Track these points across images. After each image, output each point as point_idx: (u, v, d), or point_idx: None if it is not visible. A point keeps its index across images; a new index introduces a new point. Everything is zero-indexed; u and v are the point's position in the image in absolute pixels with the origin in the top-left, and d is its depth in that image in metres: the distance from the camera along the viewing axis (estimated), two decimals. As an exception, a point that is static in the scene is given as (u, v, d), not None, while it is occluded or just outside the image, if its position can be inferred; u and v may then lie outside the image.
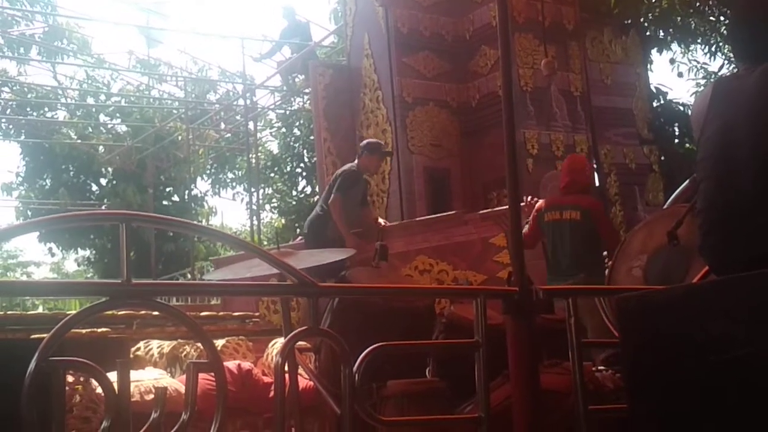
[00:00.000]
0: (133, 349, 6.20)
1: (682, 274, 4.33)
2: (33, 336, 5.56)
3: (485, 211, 8.08)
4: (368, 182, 9.27)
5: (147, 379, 5.25)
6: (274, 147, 20.08)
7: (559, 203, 6.71)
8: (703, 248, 2.92)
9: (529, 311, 2.79)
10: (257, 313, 8.50)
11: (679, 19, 12.00)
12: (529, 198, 6.86)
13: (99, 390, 4.40)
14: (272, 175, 18.96)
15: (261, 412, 5.63)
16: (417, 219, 8.86)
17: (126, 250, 2.40)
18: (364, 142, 8.68)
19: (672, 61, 13.74)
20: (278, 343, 5.91)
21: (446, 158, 9.96)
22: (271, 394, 5.30)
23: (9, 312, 10.59)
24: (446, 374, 3.94)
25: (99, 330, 6.37)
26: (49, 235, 21.11)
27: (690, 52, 13.85)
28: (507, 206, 3.14)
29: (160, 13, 21.35)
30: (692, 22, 12.47)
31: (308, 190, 18.58)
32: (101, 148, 21.24)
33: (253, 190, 15.86)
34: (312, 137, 14.05)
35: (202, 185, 22.93)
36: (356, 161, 8.32)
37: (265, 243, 17.03)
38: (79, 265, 25.79)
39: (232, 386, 5.39)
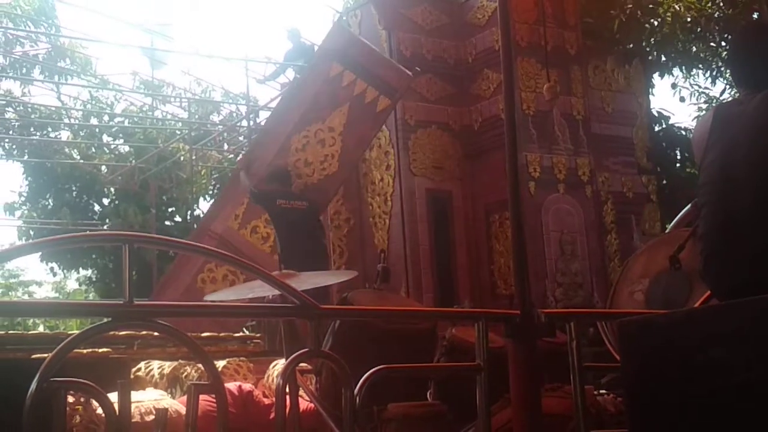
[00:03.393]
0: (133, 369, 6.18)
1: (683, 299, 4.32)
2: (34, 356, 5.55)
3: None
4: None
5: (147, 400, 5.23)
6: (277, 168, 20.08)
7: None
8: (705, 273, 2.92)
9: (530, 334, 2.79)
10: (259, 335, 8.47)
11: (680, 44, 12.05)
12: None
13: (99, 410, 4.39)
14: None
15: (261, 434, 5.60)
16: None
17: (128, 271, 2.40)
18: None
19: (674, 85, 13.78)
20: (279, 364, 5.90)
21: (448, 180, 9.98)
22: (272, 416, 5.28)
23: (10, 331, 10.57)
24: (447, 397, 3.93)
25: (100, 350, 6.35)
26: (51, 254, 21.06)
27: (691, 77, 13.89)
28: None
29: (165, 34, 21.44)
30: (693, 47, 12.52)
31: (310, 211, 18.55)
32: (104, 169, 21.26)
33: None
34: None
35: (204, 206, 22.93)
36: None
37: (267, 264, 17.00)
38: (80, 285, 25.74)
39: (233, 408, 5.37)
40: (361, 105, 8.80)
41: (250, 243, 8.99)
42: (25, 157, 21.36)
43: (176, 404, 5.34)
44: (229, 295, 4.22)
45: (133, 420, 2.47)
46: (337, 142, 8.95)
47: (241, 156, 9.18)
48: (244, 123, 16.72)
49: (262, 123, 16.73)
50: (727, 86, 13.20)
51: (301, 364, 3.55)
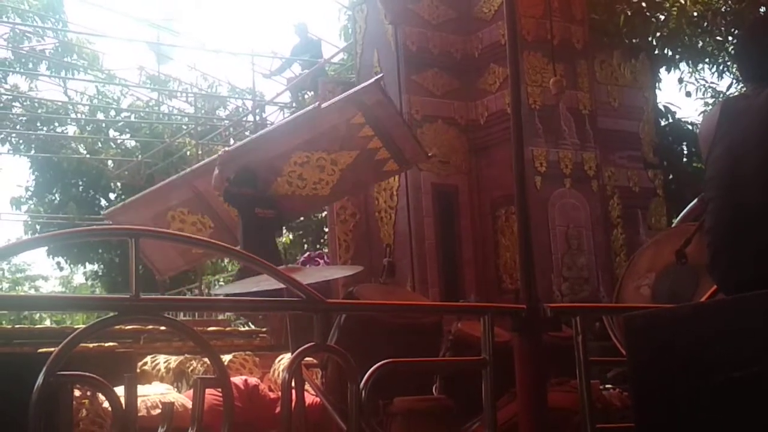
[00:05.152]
0: (140, 363, 6.20)
1: (690, 293, 4.32)
2: (41, 350, 5.57)
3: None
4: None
5: (154, 394, 5.25)
6: (282, 162, 20.11)
7: None
8: (712, 267, 2.92)
9: (536, 329, 2.79)
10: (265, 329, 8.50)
11: (686, 38, 12.02)
12: None
13: (105, 404, 4.40)
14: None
15: (267, 428, 5.61)
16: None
17: (135, 265, 2.40)
18: None
19: (680, 80, 13.75)
20: (285, 358, 5.91)
21: (454, 175, 9.96)
22: (278, 410, 5.29)
23: (17, 326, 10.60)
24: (453, 391, 3.93)
25: (106, 344, 6.37)
26: (58, 249, 21.12)
27: (698, 72, 13.87)
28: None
29: (171, 29, 21.44)
30: (700, 41, 12.49)
31: (317, 206, 18.59)
32: (110, 163, 21.30)
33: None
34: (321, 154, 14.06)
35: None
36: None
37: (273, 259, 17.02)
38: (87, 280, 25.81)
39: (239, 402, 5.37)
40: (371, 158, 8.96)
41: (226, 209, 9.28)
42: (32, 152, 21.42)
43: (182, 398, 5.35)
44: (235, 289, 4.22)
45: (139, 414, 2.48)
46: (335, 174, 9.15)
47: (222, 151, 9.32)
48: (251, 118, 16.73)
49: (268, 118, 16.78)
50: (734, 81, 13.17)
51: (307, 358, 3.56)
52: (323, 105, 9.18)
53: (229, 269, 18.84)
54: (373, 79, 8.99)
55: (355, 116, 8.80)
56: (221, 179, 8.73)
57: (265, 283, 3.66)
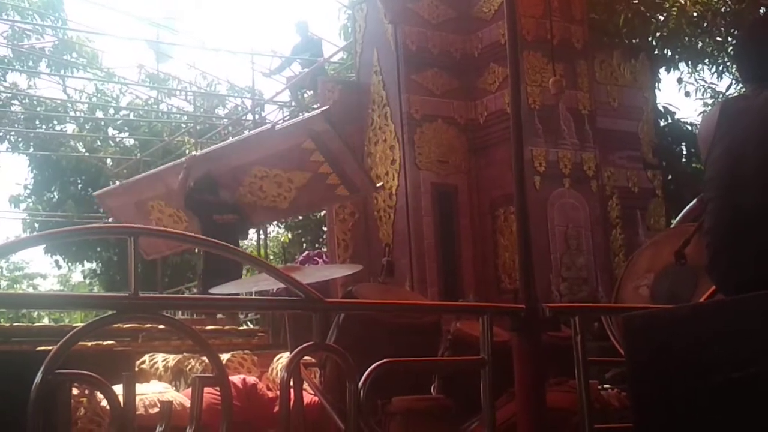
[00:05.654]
0: (138, 362, 6.19)
1: (689, 294, 4.32)
2: (39, 348, 5.56)
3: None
4: None
5: (152, 393, 5.25)
6: (281, 161, 20.11)
7: None
8: (711, 268, 2.92)
9: (535, 329, 2.79)
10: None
11: (686, 39, 12.02)
12: None
13: (104, 403, 4.40)
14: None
15: (266, 427, 5.61)
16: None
17: (134, 263, 2.40)
18: None
19: (679, 80, 13.75)
20: (283, 357, 5.91)
21: (453, 174, 9.96)
22: (276, 409, 5.30)
23: (15, 324, 10.59)
24: (452, 391, 3.93)
25: (104, 343, 6.35)
26: (56, 247, 21.10)
27: (697, 72, 13.87)
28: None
29: (170, 27, 21.42)
30: (700, 42, 12.49)
31: (315, 205, 18.58)
32: (109, 162, 21.28)
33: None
34: (320, 152, 14.07)
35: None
36: None
37: (272, 257, 17.01)
38: (85, 278, 25.80)
39: (237, 401, 5.37)
40: (322, 182, 9.27)
41: None
42: (31, 150, 21.40)
43: (180, 397, 5.35)
44: (234, 288, 4.22)
45: (137, 412, 2.47)
46: (292, 192, 9.50)
47: (192, 154, 9.66)
48: (250, 117, 16.71)
49: (268, 117, 16.77)
50: (734, 81, 13.16)
51: (306, 358, 3.56)
52: (277, 127, 9.59)
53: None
54: (320, 110, 9.44)
55: (306, 142, 9.11)
56: (184, 184, 9.05)
57: (264, 282, 3.66)
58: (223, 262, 8.50)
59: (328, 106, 9.72)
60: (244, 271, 8.94)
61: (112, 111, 22.16)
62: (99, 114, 22.14)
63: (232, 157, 9.60)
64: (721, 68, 13.15)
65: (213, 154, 10.15)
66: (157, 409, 4.90)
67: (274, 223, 19.76)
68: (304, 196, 9.52)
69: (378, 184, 9.55)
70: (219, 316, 8.48)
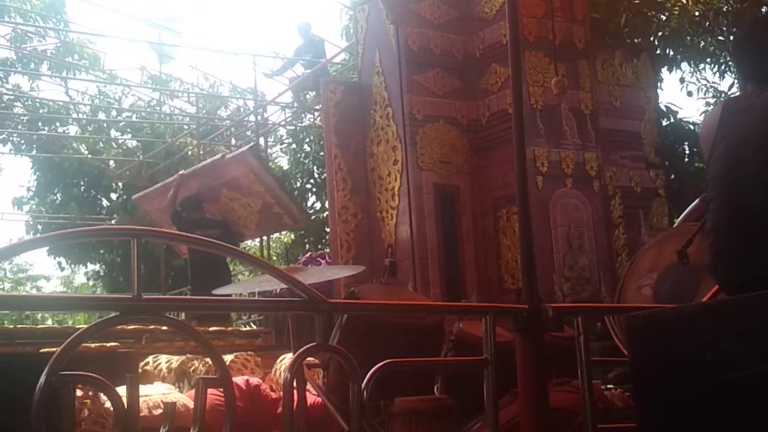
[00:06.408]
0: (141, 363, 6.19)
1: (691, 293, 4.32)
2: (43, 350, 5.56)
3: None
4: None
5: (155, 394, 5.25)
6: (284, 163, 20.13)
7: None
8: (714, 267, 2.92)
9: (538, 329, 2.79)
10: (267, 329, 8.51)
11: (688, 38, 12.01)
12: None
13: (107, 404, 4.40)
14: (282, 190, 18.99)
15: (269, 428, 5.60)
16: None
17: (137, 265, 2.40)
18: None
19: (681, 80, 13.74)
20: (287, 358, 5.90)
21: (456, 175, 9.96)
22: (280, 410, 5.29)
23: (19, 325, 10.61)
24: (455, 391, 3.93)
25: (108, 344, 6.36)
26: (59, 249, 21.11)
27: (699, 72, 13.85)
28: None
29: (172, 29, 21.45)
30: (702, 41, 12.48)
31: (318, 206, 18.60)
32: (112, 163, 21.30)
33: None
34: (322, 153, 14.09)
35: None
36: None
37: (275, 258, 17.04)
38: (88, 280, 25.81)
39: (240, 402, 5.37)
40: (269, 212, 9.92)
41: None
42: (34, 152, 21.42)
43: (184, 398, 5.35)
44: (237, 289, 4.22)
45: (141, 414, 2.47)
46: (254, 215, 10.15)
47: (181, 173, 10.05)
48: (252, 118, 16.72)
49: (270, 118, 16.78)
50: (736, 81, 13.14)
51: (309, 358, 3.56)
52: (226, 157, 10.24)
53: (231, 269, 18.82)
54: (246, 147, 10.04)
55: (249, 173, 9.69)
56: (173, 202, 9.34)
57: (267, 283, 3.66)
58: (211, 270, 8.77)
59: (252, 144, 10.55)
60: (246, 273, 9.08)
61: (114, 113, 22.17)
62: (101, 116, 22.16)
63: (209, 177, 10.12)
64: (723, 68, 13.14)
65: (198, 170, 10.60)
66: (160, 411, 4.90)
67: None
68: (263, 220, 10.16)
69: (312, 217, 10.24)
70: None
